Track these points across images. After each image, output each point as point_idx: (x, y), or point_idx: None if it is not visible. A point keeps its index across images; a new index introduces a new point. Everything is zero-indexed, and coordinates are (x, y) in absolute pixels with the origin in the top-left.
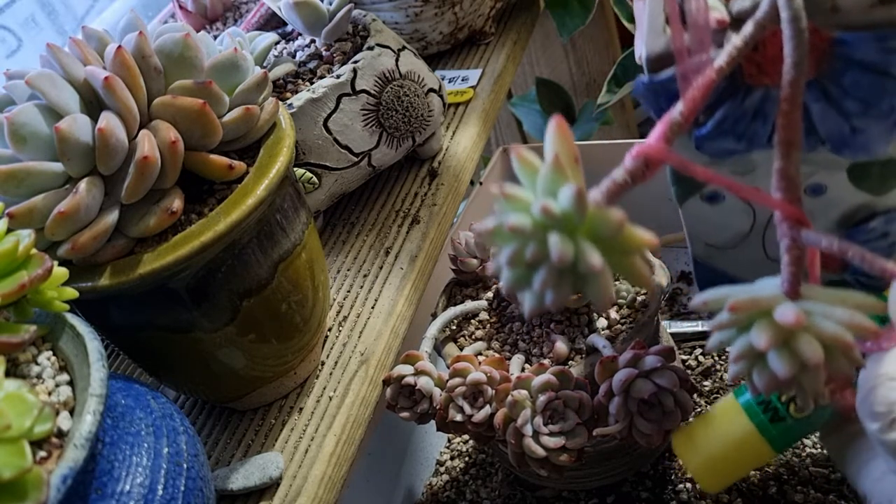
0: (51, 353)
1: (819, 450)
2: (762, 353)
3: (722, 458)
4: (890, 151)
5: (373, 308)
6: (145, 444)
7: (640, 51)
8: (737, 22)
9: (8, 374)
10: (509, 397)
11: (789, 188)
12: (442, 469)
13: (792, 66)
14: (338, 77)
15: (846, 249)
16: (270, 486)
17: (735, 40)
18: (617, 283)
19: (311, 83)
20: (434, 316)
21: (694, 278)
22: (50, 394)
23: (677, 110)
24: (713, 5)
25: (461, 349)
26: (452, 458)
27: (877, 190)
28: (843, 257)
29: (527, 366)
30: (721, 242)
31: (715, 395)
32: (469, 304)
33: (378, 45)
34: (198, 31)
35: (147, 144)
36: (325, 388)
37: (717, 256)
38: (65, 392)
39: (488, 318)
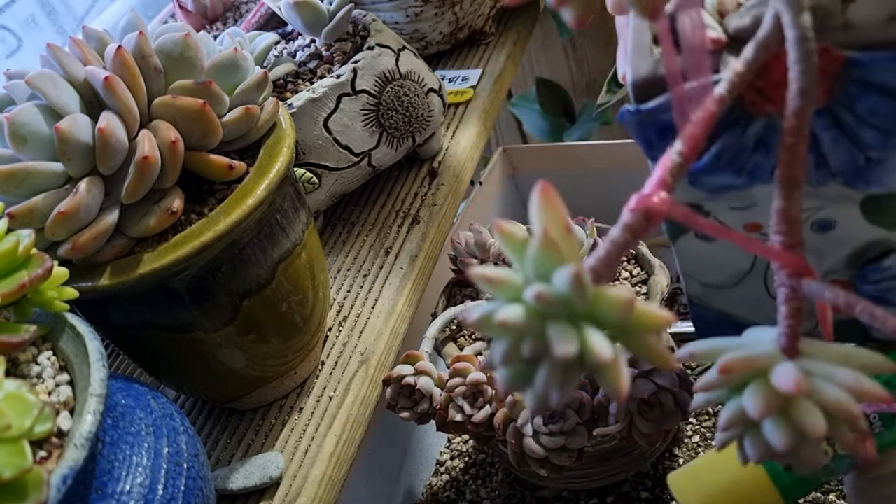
0: (51, 353)
1: None
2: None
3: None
4: None
5: (373, 308)
6: (145, 444)
7: (624, 72)
8: (734, 42)
9: (8, 374)
10: (509, 397)
11: (790, 232)
12: (442, 469)
13: (798, 93)
14: (338, 77)
15: (853, 304)
16: (270, 486)
17: (736, 65)
18: (616, 283)
19: (311, 83)
20: (434, 316)
21: (691, 319)
22: (50, 394)
23: (675, 150)
24: (707, 23)
25: (461, 349)
26: (452, 458)
27: (893, 225)
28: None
29: None
30: (718, 281)
31: None
32: (469, 305)
33: (378, 45)
34: (198, 31)
35: (147, 144)
36: (325, 388)
37: (714, 296)
38: (65, 392)
39: None
